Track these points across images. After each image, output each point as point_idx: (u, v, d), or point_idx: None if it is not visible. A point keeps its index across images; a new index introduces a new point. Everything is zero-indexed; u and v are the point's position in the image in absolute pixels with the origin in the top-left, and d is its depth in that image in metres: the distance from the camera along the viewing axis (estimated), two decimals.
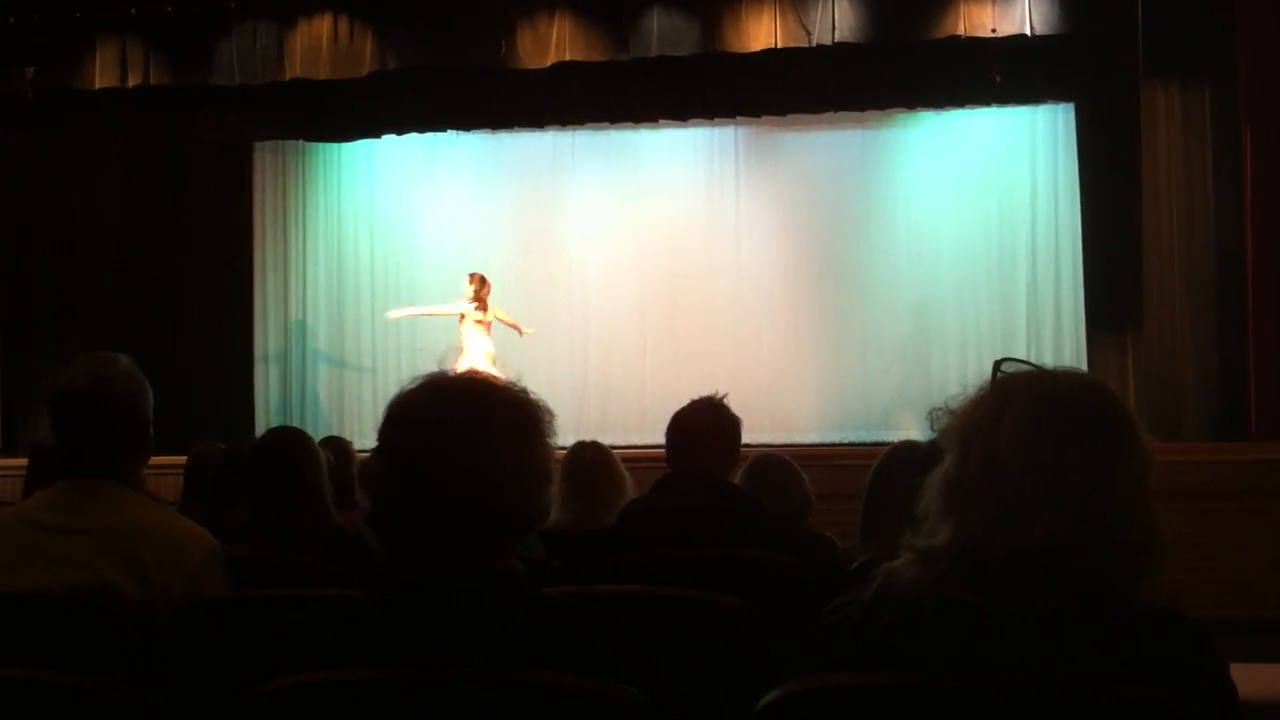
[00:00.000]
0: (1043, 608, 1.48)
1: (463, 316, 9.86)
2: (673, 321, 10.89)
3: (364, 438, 8.60)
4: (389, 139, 11.02)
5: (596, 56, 9.19)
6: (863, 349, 10.72)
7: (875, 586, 1.58)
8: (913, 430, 8.42)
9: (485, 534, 1.73)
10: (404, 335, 10.94)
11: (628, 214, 11.07)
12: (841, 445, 9.83)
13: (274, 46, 9.35)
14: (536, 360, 9.82)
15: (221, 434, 7.73)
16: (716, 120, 10.84)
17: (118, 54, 9.40)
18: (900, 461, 2.93)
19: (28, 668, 1.85)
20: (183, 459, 4.82)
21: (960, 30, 8.71)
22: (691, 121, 10.80)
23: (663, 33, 9.02)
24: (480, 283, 9.86)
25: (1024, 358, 1.69)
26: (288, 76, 9.38)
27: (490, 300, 9.89)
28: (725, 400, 3.70)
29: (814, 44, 8.86)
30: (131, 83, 9.42)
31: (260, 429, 9.90)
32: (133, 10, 9.28)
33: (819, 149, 10.96)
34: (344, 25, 9.32)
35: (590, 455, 4.29)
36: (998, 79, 9.43)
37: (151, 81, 9.45)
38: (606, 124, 10.86)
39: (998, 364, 1.67)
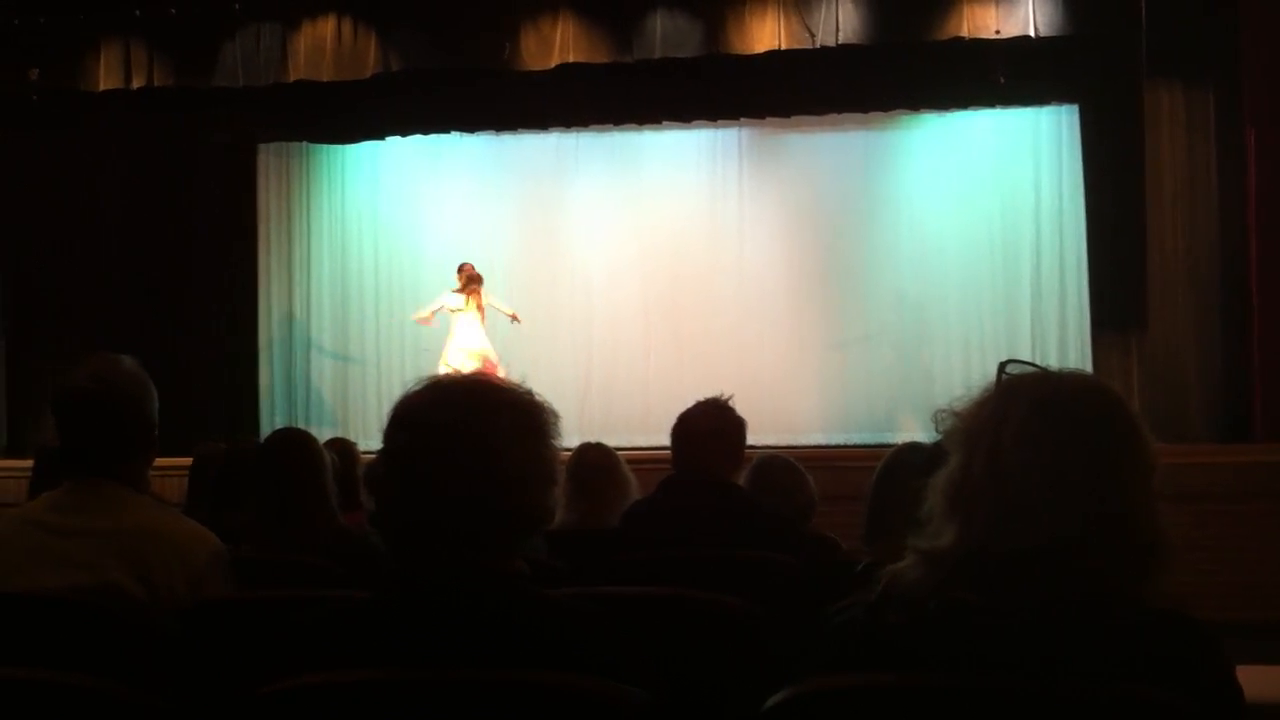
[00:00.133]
0: (1047, 609, 1.49)
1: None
2: (676, 323, 10.90)
3: (368, 439, 8.63)
4: (393, 140, 11.03)
5: (600, 58, 9.19)
6: (866, 350, 10.72)
7: (880, 588, 1.58)
8: (916, 432, 8.42)
9: (490, 535, 1.74)
10: (408, 336, 10.96)
11: (631, 215, 11.07)
12: (845, 447, 9.83)
13: (278, 48, 9.36)
14: (540, 361, 9.83)
15: (226, 435, 7.73)
16: (720, 122, 10.85)
17: (122, 55, 9.40)
18: (904, 463, 2.92)
19: (32, 668, 1.85)
20: (187, 460, 4.83)
21: (964, 32, 8.70)
22: (695, 123, 10.81)
23: (666, 34, 9.02)
24: (466, 273, 9.94)
25: (1028, 359, 1.70)
26: (292, 78, 9.39)
27: (482, 292, 9.96)
28: (731, 402, 3.71)
29: (817, 45, 8.85)
30: (136, 84, 9.43)
31: (265, 430, 9.93)
32: (137, 12, 9.29)
33: (822, 150, 10.96)
34: (348, 27, 9.33)
35: (594, 457, 4.29)
36: (1001, 80, 9.43)
37: (156, 83, 9.46)
38: (610, 125, 10.87)
39: (1002, 366, 1.67)
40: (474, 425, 1.74)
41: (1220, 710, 1.50)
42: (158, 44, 9.43)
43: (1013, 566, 1.51)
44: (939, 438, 1.64)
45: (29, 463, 5.51)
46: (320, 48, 9.33)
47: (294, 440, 3.55)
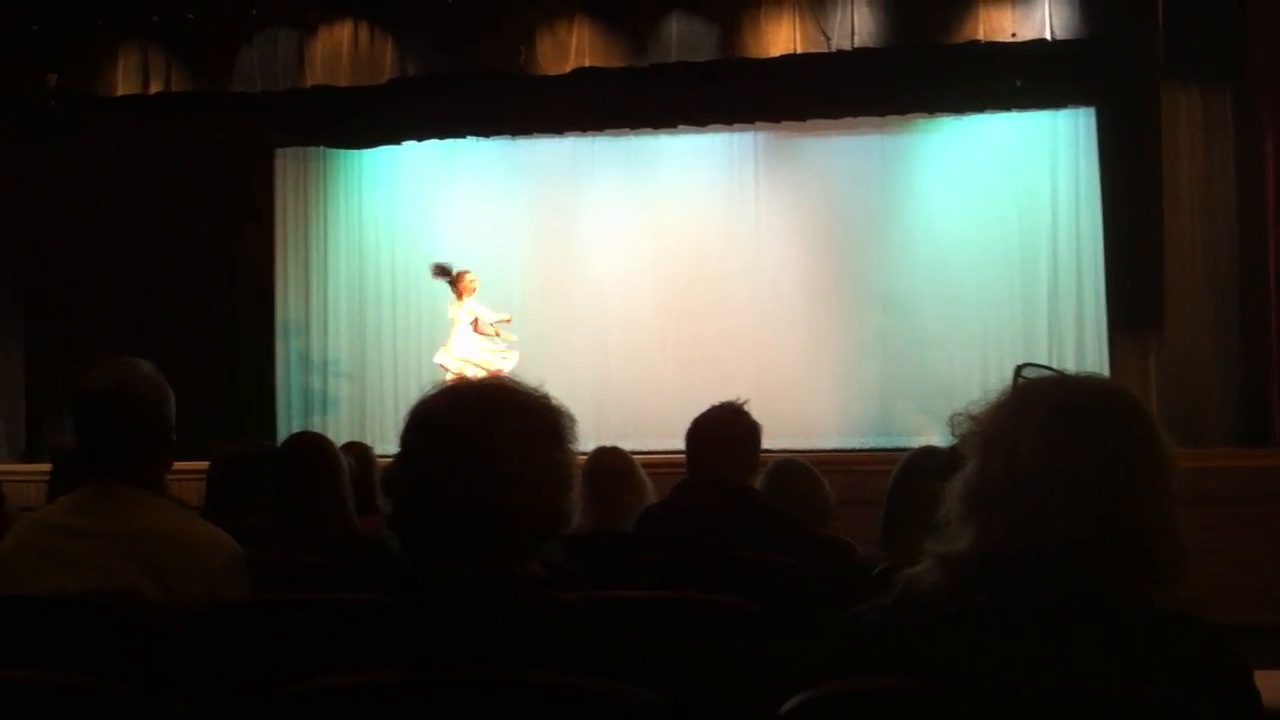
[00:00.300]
0: (1062, 612, 1.48)
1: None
2: (692, 326, 10.89)
3: (385, 443, 8.64)
4: (409, 145, 11.07)
5: (615, 62, 9.19)
6: (882, 354, 10.70)
7: (897, 592, 1.58)
8: (933, 436, 8.40)
9: (506, 539, 1.74)
10: (425, 341, 10.97)
11: (647, 219, 11.08)
12: (861, 450, 9.82)
13: (295, 53, 9.38)
14: (556, 365, 9.83)
15: (243, 439, 7.75)
16: (735, 125, 10.85)
17: (140, 61, 9.44)
18: (920, 467, 2.92)
19: (48, 670, 1.86)
20: (204, 464, 4.84)
21: (980, 35, 8.68)
22: (710, 127, 10.81)
23: (682, 38, 9.02)
24: (452, 275, 9.87)
25: (1045, 363, 1.69)
26: (308, 83, 9.41)
27: (474, 300, 9.88)
28: (746, 406, 3.70)
29: (833, 49, 8.84)
30: (153, 89, 9.46)
31: (282, 434, 9.95)
32: (154, 18, 9.33)
33: (838, 154, 10.95)
34: (364, 32, 9.35)
35: (610, 461, 4.29)
36: (1018, 83, 9.41)
37: (173, 88, 9.49)
38: (625, 129, 10.88)
39: (1019, 369, 1.66)
40: (490, 429, 1.74)
41: (1237, 714, 1.49)
42: (175, 49, 9.46)
43: (1029, 570, 1.50)
44: (955, 441, 1.64)
45: (47, 466, 5.53)
46: (337, 53, 9.35)
47: (310, 444, 3.57)
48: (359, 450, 4.63)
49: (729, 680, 2.33)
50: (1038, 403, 1.58)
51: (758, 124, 10.82)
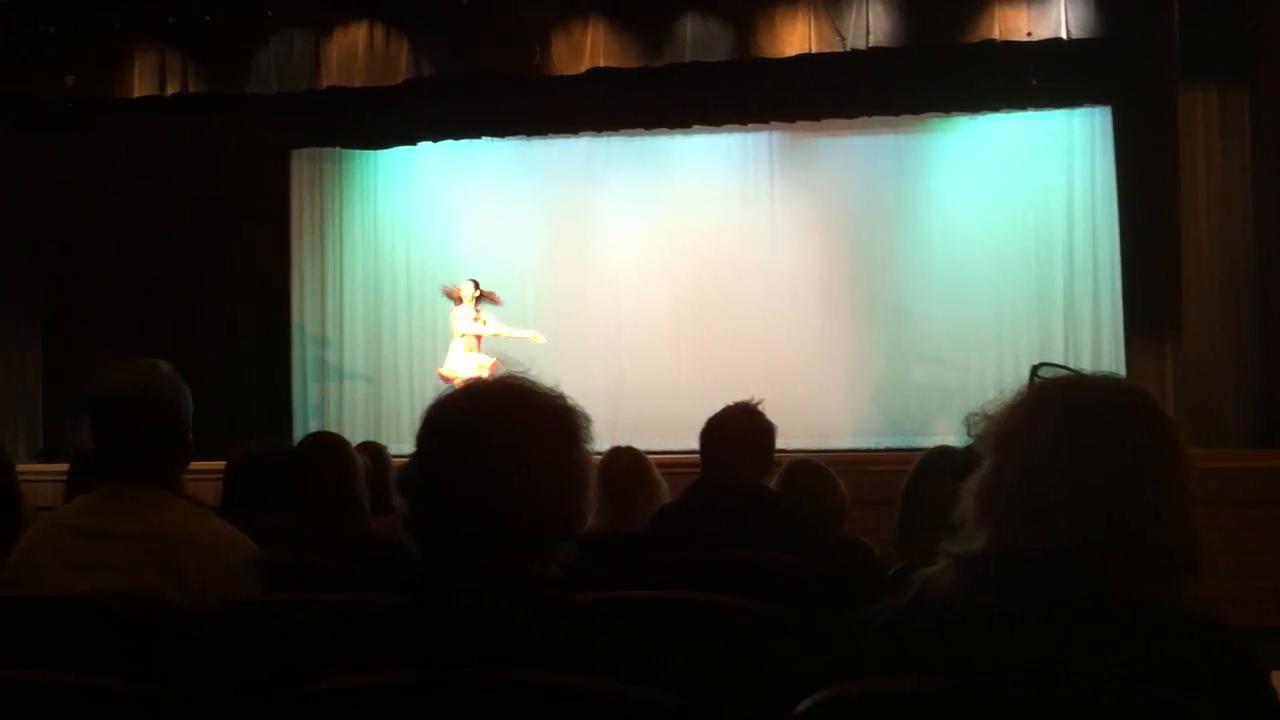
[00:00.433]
0: (1078, 613, 1.48)
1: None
2: (707, 327, 10.89)
3: (401, 443, 8.64)
4: (424, 146, 11.09)
5: (630, 63, 9.20)
6: (897, 354, 10.69)
7: (912, 593, 1.58)
8: (948, 436, 8.38)
9: (521, 539, 1.74)
10: (440, 341, 10.98)
11: (662, 219, 11.08)
12: (876, 451, 9.80)
13: (310, 55, 9.41)
14: (571, 365, 9.82)
15: (259, 439, 7.77)
16: (750, 125, 10.84)
17: (156, 63, 9.47)
18: (935, 467, 2.91)
19: (65, 671, 1.87)
20: (221, 464, 4.85)
21: (995, 34, 8.66)
22: (725, 127, 10.81)
23: (696, 38, 9.01)
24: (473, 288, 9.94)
25: (1061, 363, 1.69)
26: (324, 84, 9.43)
27: (478, 311, 9.92)
28: (760, 406, 3.70)
29: (848, 49, 8.82)
30: (170, 91, 9.49)
31: (298, 434, 9.97)
32: (170, 20, 9.37)
33: (853, 154, 10.94)
34: (379, 33, 9.37)
35: (625, 461, 4.29)
36: (1033, 83, 9.37)
37: (189, 90, 9.52)
38: (640, 130, 10.89)
39: (1035, 369, 1.66)
40: (506, 430, 1.75)
41: (1253, 717, 1.48)
42: (191, 51, 9.50)
43: (1045, 570, 1.50)
44: (971, 441, 1.64)
45: (64, 466, 5.55)
46: (352, 54, 9.37)
47: (327, 443, 3.57)
48: (374, 450, 4.63)
49: (742, 681, 2.33)
50: (1054, 402, 1.58)
51: (772, 124, 10.81)
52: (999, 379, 1.76)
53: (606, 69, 9.20)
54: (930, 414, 10.27)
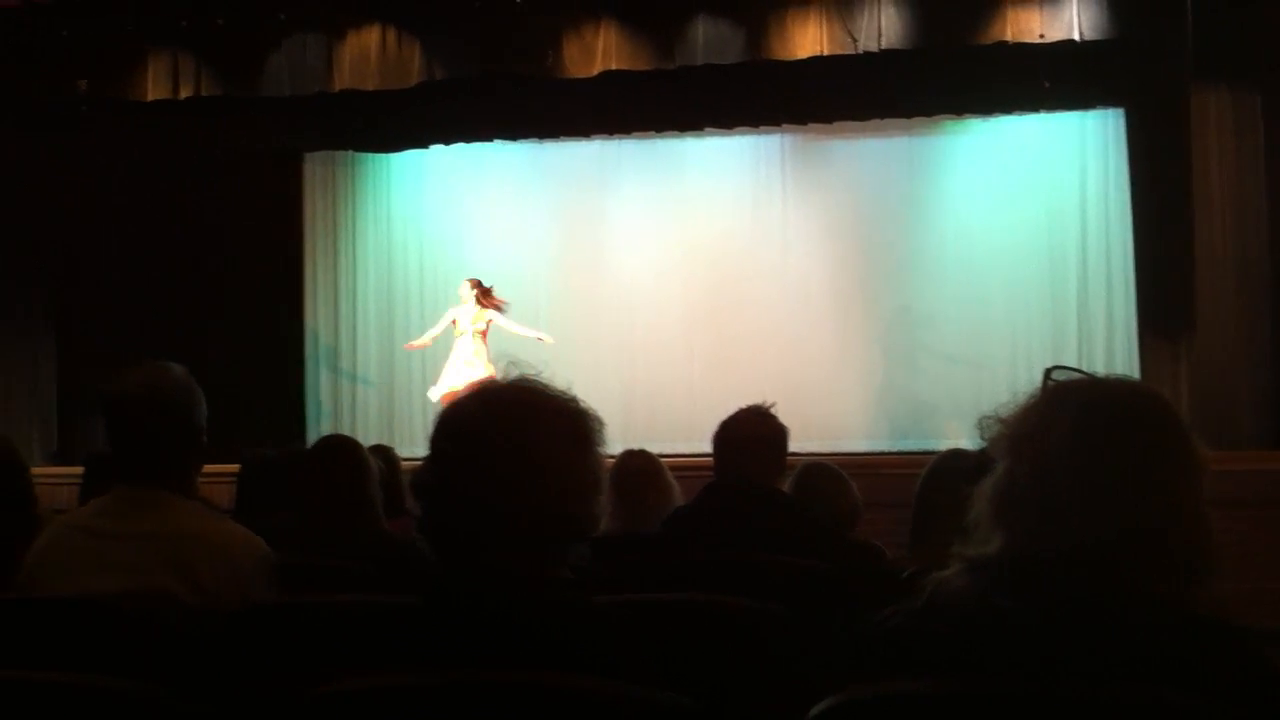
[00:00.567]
0: (1091, 616, 1.48)
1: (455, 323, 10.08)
2: (719, 329, 10.89)
3: (413, 446, 8.66)
4: (437, 149, 11.11)
5: (642, 65, 9.19)
6: (910, 356, 10.67)
7: (925, 596, 1.58)
8: (961, 438, 8.36)
9: (535, 542, 1.74)
10: (453, 344, 11.00)
11: (674, 222, 11.08)
12: (889, 453, 9.78)
13: (323, 58, 9.42)
14: (583, 368, 9.84)
15: (273, 442, 7.79)
16: (762, 128, 10.83)
17: (169, 66, 9.50)
18: (949, 470, 2.91)
19: (79, 673, 1.88)
20: (235, 466, 4.87)
21: (1007, 36, 8.63)
22: (737, 129, 10.80)
23: (708, 41, 9.01)
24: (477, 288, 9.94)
25: (1075, 365, 1.68)
26: (337, 87, 9.45)
27: (488, 309, 9.95)
28: (773, 408, 3.70)
29: (860, 51, 8.80)
30: (183, 94, 9.52)
31: (311, 437, 10.01)
32: (184, 23, 9.39)
33: (865, 156, 10.92)
34: (392, 36, 9.38)
35: (638, 463, 4.29)
36: (1045, 84, 9.35)
37: (202, 93, 9.55)
38: (652, 133, 10.89)
39: (1049, 372, 1.66)
40: (520, 433, 1.75)
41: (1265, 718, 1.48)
42: (205, 54, 9.52)
43: (1058, 572, 1.50)
44: (984, 444, 1.63)
45: (79, 469, 5.57)
46: (365, 57, 9.39)
47: (340, 446, 3.59)
48: (384, 453, 4.64)
49: (755, 683, 2.33)
50: (1068, 405, 1.58)
51: (784, 126, 10.80)
52: (1012, 381, 1.75)
53: (618, 72, 9.20)
54: (943, 416, 10.25)
